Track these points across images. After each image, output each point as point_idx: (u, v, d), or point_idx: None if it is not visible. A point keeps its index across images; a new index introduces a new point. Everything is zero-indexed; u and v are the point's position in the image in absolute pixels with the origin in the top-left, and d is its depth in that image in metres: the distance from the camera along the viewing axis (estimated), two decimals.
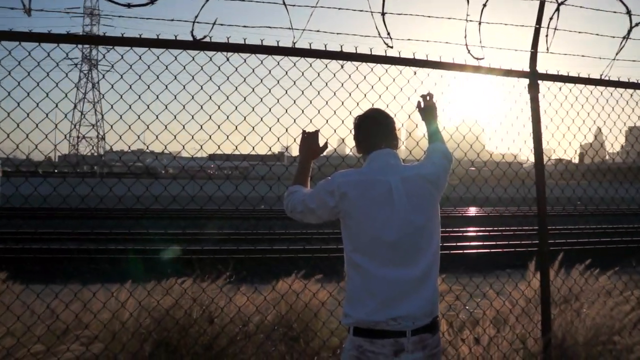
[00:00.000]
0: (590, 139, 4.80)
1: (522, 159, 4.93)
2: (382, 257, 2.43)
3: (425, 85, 3.99)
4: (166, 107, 3.37)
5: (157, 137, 3.36)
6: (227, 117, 3.50)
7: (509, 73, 4.32)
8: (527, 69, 4.40)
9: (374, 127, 2.70)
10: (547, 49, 4.37)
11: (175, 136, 3.46)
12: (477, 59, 4.20)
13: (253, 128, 3.55)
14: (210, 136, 3.64)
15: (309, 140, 2.93)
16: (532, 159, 4.41)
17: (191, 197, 3.60)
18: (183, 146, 3.57)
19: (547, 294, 4.22)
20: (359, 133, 2.75)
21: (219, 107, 3.46)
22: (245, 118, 3.53)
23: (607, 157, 5.13)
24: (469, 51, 4.16)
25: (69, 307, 4.25)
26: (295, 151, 3.24)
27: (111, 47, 3.35)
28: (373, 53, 3.80)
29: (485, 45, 4.25)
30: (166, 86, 3.46)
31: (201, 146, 3.87)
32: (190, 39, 3.41)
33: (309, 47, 3.63)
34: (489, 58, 4.23)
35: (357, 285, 2.46)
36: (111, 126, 3.26)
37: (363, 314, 2.39)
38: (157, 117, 3.35)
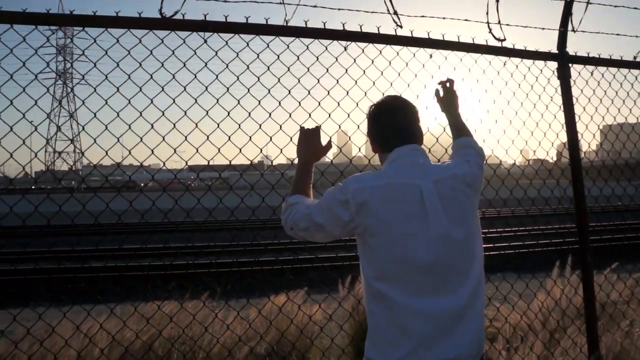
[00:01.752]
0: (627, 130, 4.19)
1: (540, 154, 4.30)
2: (415, 285, 1.90)
3: (443, 71, 3.36)
4: (141, 114, 2.68)
5: (129, 152, 2.66)
6: (201, 122, 2.80)
7: (535, 55, 3.70)
8: (553, 50, 3.80)
9: (395, 118, 2.15)
10: (573, 29, 3.78)
11: (152, 151, 2.76)
12: (499, 39, 3.59)
13: (238, 124, 2.86)
14: (186, 136, 2.94)
15: (309, 138, 2.38)
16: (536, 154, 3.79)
17: (164, 213, 2.90)
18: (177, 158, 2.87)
19: (592, 305, 3.59)
20: (375, 126, 2.20)
21: (185, 113, 2.76)
22: (228, 113, 2.83)
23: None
24: (490, 30, 3.55)
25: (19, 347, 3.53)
26: (292, 153, 2.58)
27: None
28: (381, 32, 3.16)
29: (508, 23, 3.64)
30: (140, 89, 2.76)
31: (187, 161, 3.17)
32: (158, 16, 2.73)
33: (304, 26, 2.97)
34: (510, 40, 3.63)
35: (384, 321, 1.93)
36: (94, 140, 2.54)
37: (395, 359, 1.86)
38: (130, 127, 2.65)
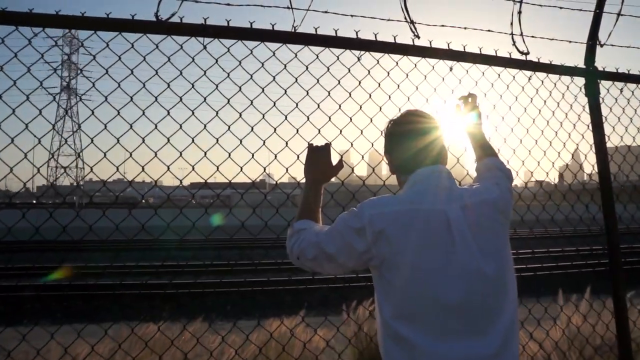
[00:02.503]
0: None
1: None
2: (440, 326, 1.63)
3: (463, 85, 3.08)
4: (142, 139, 2.39)
5: (145, 168, 2.37)
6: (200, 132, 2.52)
7: (562, 70, 3.42)
8: (580, 65, 3.52)
9: (415, 135, 1.90)
10: (599, 42, 3.52)
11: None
12: (523, 53, 3.32)
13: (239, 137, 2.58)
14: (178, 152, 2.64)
15: (318, 157, 2.17)
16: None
17: (148, 234, 2.60)
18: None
19: (626, 334, 3.26)
20: (393, 145, 1.97)
21: (180, 126, 2.48)
22: (229, 127, 2.55)
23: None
24: (514, 42, 3.29)
25: None
26: (299, 172, 2.32)
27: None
28: (398, 42, 2.88)
29: (534, 35, 3.37)
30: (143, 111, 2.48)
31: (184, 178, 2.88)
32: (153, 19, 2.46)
33: (314, 32, 2.70)
34: (534, 54, 3.36)
35: None
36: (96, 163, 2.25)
37: None
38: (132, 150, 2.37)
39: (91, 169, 2.54)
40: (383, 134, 2.00)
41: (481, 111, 2.44)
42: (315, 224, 1.99)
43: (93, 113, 2.39)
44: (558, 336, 4.74)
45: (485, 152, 2.30)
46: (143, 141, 2.40)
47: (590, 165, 3.46)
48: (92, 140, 2.37)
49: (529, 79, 3.36)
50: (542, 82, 3.40)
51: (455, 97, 2.56)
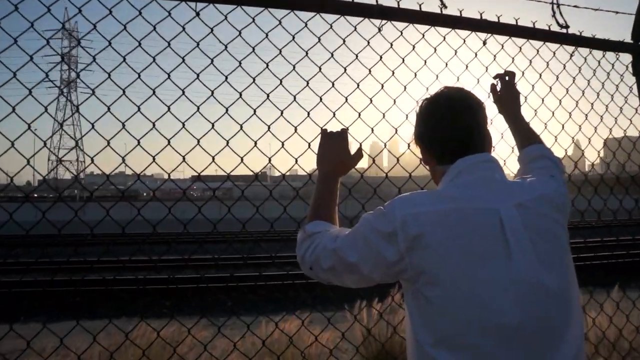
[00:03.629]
0: None
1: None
2: (493, 354, 1.30)
3: (501, 62, 2.66)
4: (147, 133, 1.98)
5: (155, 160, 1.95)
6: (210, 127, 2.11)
7: (606, 45, 3.00)
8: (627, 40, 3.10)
9: (456, 117, 1.53)
10: None
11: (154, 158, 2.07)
12: (563, 26, 2.90)
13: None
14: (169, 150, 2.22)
15: (333, 144, 1.82)
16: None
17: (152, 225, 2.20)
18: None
19: None
20: (428, 128, 1.58)
21: (183, 125, 2.09)
22: (227, 112, 2.13)
23: None
24: (554, 14, 2.87)
25: None
26: (311, 163, 1.93)
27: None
28: (424, 10, 2.46)
29: (577, 5, 2.95)
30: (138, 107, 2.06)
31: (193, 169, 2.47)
32: None
33: None
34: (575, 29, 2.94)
35: None
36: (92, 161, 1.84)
37: None
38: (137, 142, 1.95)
39: (92, 160, 2.15)
40: (416, 115, 1.63)
41: (519, 92, 2.12)
42: (332, 225, 1.66)
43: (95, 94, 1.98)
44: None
45: (529, 138, 1.97)
46: (153, 126, 1.99)
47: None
48: (92, 126, 1.99)
49: (571, 55, 2.93)
50: (585, 59, 2.99)
51: (490, 76, 2.27)
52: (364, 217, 1.48)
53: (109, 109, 1.98)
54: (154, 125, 1.97)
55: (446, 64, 2.55)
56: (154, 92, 2.01)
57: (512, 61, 2.68)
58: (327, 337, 4.45)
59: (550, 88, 2.86)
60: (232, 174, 2.29)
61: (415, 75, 2.45)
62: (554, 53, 2.90)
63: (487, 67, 2.63)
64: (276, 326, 4.22)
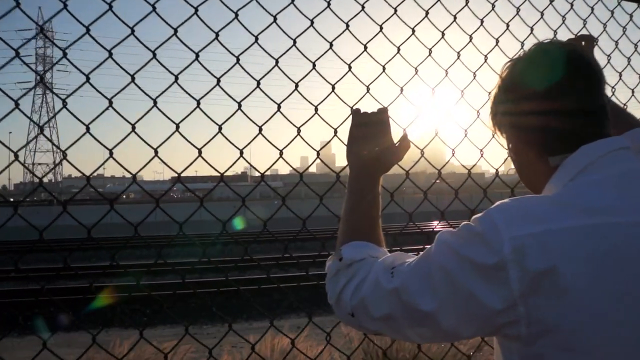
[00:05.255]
0: None
1: None
2: None
3: (569, 26, 2.31)
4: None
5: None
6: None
7: None
8: None
9: (580, 84, 1.04)
10: None
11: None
12: None
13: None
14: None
15: (371, 129, 1.32)
16: None
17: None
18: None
19: None
20: (532, 102, 1.05)
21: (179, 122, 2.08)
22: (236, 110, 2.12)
23: None
24: None
25: None
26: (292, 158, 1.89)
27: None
28: None
29: None
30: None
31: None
32: None
33: None
34: None
35: None
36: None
37: None
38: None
39: (60, 163, 2.12)
40: (502, 85, 1.12)
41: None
42: (379, 248, 1.18)
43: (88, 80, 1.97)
44: None
45: (628, 120, 1.53)
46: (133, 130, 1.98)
47: None
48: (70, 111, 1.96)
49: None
50: None
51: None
52: (440, 238, 0.98)
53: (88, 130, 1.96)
54: (133, 129, 1.95)
55: (507, 26, 2.32)
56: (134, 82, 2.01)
57: (584, 25, 2.39)
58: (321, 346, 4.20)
59: (629, 60, 2.59)
60: (212, 175, 2.29)
61: (471, 39, 2.24)
62: (631, 16, 2.58)
63: (555, 32, 2.29)
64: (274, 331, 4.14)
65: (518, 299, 0.86)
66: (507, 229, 0.89)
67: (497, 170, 2.40)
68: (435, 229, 2.81)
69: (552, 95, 1.02)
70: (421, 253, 1.01)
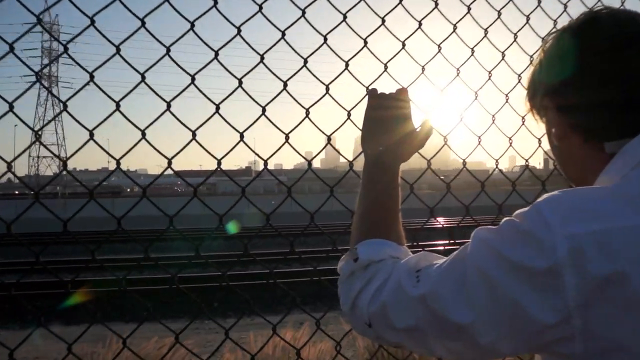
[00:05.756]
0: None
1: None
2: None
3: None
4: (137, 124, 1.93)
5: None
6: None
7: None
8: None
9: (633, 55, 0.85)
10: None
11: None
12: None
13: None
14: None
15: (389, 113, 1.18)
16: None
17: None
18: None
19: None
20: (584, 77, 0.88)
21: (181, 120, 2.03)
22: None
23: None
24: None
25: None
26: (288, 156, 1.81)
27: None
28: None
29: None
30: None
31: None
32: None
33: None
34: None
35: None
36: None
37: None
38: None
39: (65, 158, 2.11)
40: (544, 58, 0.97)
41: None
42: (400, 246, 1.04)
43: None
44: None
45: None
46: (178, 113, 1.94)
47: None
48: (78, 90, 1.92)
49: None
50: None
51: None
52: (478, 236, 0.82)
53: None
54: (132, 120, 1.92)
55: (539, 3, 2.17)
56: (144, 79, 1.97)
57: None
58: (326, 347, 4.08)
59: None
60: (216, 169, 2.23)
61: (455, 28, 2.08)
62: None
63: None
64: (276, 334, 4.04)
65: (574, 310, 0.71)
66: (561, 226, 0.72)
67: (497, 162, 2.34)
68: (459, 225, 2.68)
69: (610, 69, 0.85)
70: (453, 253, 0.86)
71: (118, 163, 1.61)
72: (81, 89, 1.53)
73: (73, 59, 1.67)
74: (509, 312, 0.74)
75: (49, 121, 1.81)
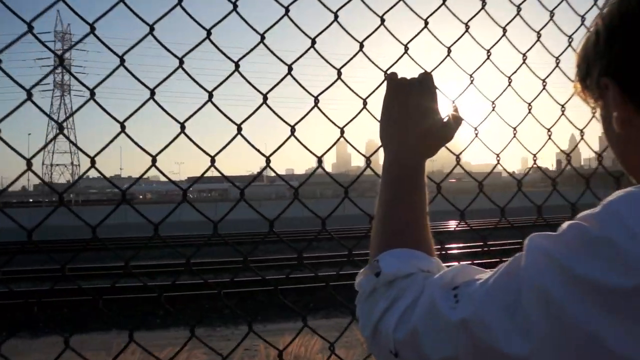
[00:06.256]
0: None
1: None
2: None
3: None
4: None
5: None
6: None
7: None
8: None
9: None
10: None
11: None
12: None
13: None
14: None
15: (412, 101, 0.99)
16: None
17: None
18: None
19: None
20: None
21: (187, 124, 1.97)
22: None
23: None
24: None
25: None
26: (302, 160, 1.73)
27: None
28: None
29: None
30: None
31: None
32: None
33: None
34: None
35: None
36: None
37: None
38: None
39: (77, 165, 2.10)
40: (610, 26, 0.74)
41: None
42: (430, 258, 0.85)
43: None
44: None
45: None
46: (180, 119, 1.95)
47: None
48: (93, 96, 1.92)
49: None
50: None
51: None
52: (535, 245, 0.63)
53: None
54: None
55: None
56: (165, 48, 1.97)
57: None
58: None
59: None
60: (229, 175, 2.22)
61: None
62: None
63: None
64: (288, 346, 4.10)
65: None
66: None
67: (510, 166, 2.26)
68: (497, 226, 2.41)
69: None
70: (500, 265, 0.67)
71: (154, 160, 1.51)
72: (111, 73, 1.46)
73: (101, 41, 1.60)
74: (579, 344, 0.56)
75: (74, 112, 1.76)
